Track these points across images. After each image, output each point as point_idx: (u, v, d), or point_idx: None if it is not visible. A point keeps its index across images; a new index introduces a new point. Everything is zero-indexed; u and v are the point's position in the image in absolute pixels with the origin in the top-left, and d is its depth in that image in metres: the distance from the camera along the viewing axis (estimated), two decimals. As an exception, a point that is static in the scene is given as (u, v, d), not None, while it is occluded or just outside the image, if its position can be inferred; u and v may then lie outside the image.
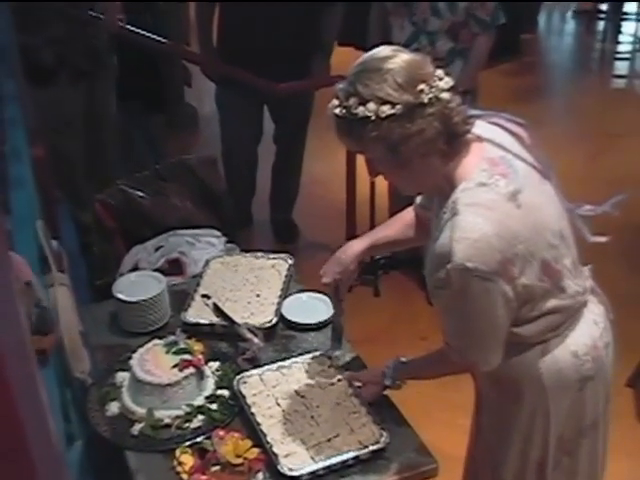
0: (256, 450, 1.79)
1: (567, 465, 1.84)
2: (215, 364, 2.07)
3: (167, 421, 1.89)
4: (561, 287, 1.68)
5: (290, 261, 2.50)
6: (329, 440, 1.82)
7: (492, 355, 1.68)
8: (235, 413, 1.93)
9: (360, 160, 1.99)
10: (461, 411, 2.14)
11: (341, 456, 1.77)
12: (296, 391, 1.97)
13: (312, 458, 1.77)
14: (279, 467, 1.74)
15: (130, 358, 2.01)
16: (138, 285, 2.27)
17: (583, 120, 5.76)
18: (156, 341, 2.06)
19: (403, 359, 1.91)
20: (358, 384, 1.97)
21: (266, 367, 2.05)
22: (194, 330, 2.17)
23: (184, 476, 1.74)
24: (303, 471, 1.73)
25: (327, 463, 1.75)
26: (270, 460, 1.76)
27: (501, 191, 1.57)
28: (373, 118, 1.50)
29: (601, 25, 7.71)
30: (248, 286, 2.40)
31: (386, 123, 1.50)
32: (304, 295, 2.35)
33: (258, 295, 2.35)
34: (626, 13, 7.44)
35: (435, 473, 1.82)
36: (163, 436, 1.87)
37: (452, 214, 1.55)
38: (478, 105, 3.17)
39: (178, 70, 5.05)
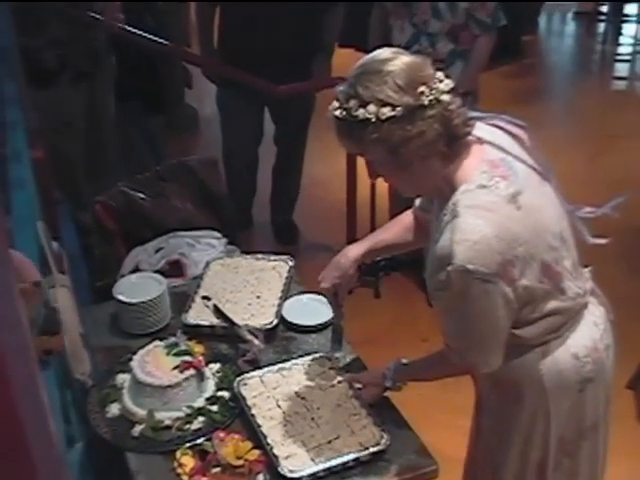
0: (256, 452, 1.79)
1: (567, 467, 1.84)
2: (215, 366, 2.07)
3: (167, 422, 1.89)
4: (561, 289, 1.68)
5: (291, 263, 2.50)
6: (329, 442, 1.82)
7: (492, 357, 1.68)
8: (235, 415, 1.93)
9: (361, 161, 1.98)
10: (461, 413, 2.14)
11: (341, 458, 1.77)
12: (296, 393, 1.97)
13: (312, 460, 1.77)
14: (279, 469, 1.74)
15: (131, 360, 2.01)
16: (138, 287, 2.27)
17: (583, 122, 5.76)
18: (157, 343, 2.06)
19: (403, 361, 1.91)
20: (358, 386, 1.97)
21: (266, 369, 2.05)
22: (194, 332, 2.17)
23: (184, 478, 1.74)
24: (303, 473, 1.73)
25: (327, 465, 1.75)
26: (270, 462, 1.76)
27: (501, 193, 1.57)
28: (373, 120, 1.50)
29: (602, 27, 7.71)
30: (248, 288, 2.40)
31: (386, 125, 1.50)
32: (304, 297, 2.35)
33: (258, 297, 2.35)
34: (627, 15, 7.44)
35: (435, 475, 1.82)
36: (163, 438, 1.87)
37: (452, 216, 1.55)
38: (478, 107, 3.18)
39: (178, 71, 5.06)
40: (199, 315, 2.25)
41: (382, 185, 2.46)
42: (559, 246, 1.66)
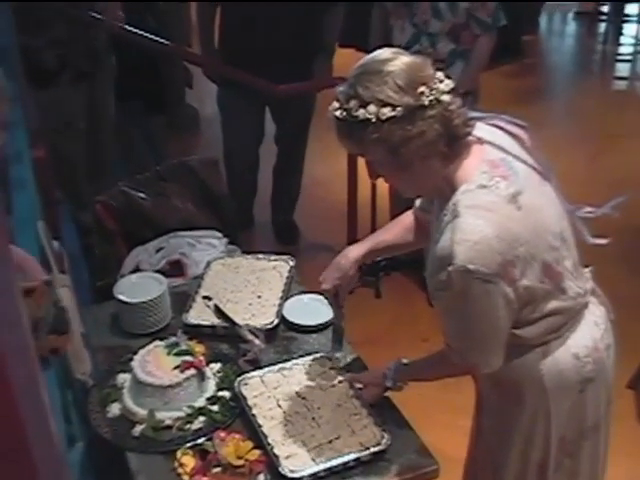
0: (257, 452, 1.79)
1: (568, 467, 1.84)
2: (216, 365, 2.07)
3: (168, 422, 1.89)
4: (562, 288, 1.68)
5: (291, 262, 2.50)
6: (330, 442, 1.82)
7: (493, 357, 1.68)
8: (236, 414, 1.93)
9: (361, 162, 1.99)
10: (462, 413, 2.14)
11: (342, 458, 1.77)
12: (297, 393, 1.97)
13: (313, 460, 1.77)
14: (280, 469, 1.74)
15: (131, 359, 2.01)
16: (139, 286, 2.27)
17: (584, 122, 5.76)
18: (157, 342, 2.06)
19: (404, 361, 1.91)
20: (359, 386, 1.97)
21: (267, 369, 2.05)
22: (195, 331, 2.17)
23: (185, 477, 1.74)
24: (304, 473, 1.73)
25: (328, 465, 1.75)
26: (271, 462, 1.76)
27: (501, 193, 1.57)
28: (374, 120, 1.50)
29: (602, 27, 7.71)
30: (249, 287, 2.40)
31: (387, 125, 1.50)
32: (305, 297, 2.35)
33: (259, 296, 2.35)
34: (627, 15, 7.44)
35: (436, 474, 1.82)
36: (164, 437, 1.87)
37: (453, 216, 1.55)
38: (479, 107, 3.18)
39: (179, 71, 5.06)
40: (200, 315, 2.26)
41: (383, 185, 2.47)
42: (560, 246, 1.66)
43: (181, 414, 1.90)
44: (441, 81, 1.55)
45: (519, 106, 5.14)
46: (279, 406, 1.93)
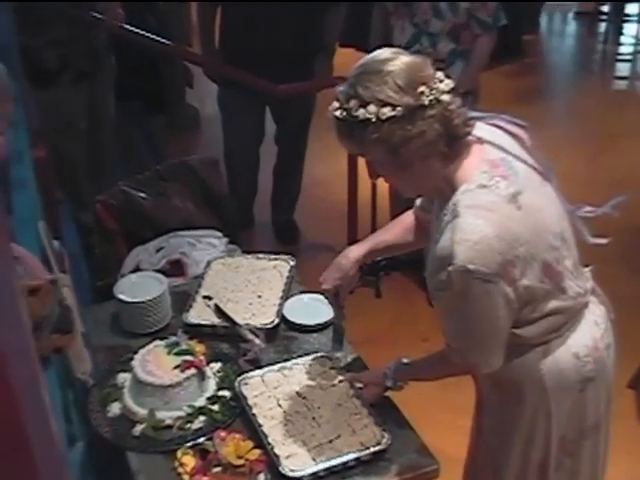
0: (257, 451, 1.79)
1: (569, 466, 1.84)
2: (216, 365, 2.07)
3: (168, 422, 1.89)
4: (562, 288, 1.68)
5: (292, 262, 2.50)
6: (330, 441, 1.82)
7: (493, 357, 1.68)
8: (236, 414, 1.93)
9: (361, 162, 1.99)
10: (462, 412, 2.14)
11: (342, 457, 1.77)
12: (297, 392, 1.97)
13: (313, 459, 1.77)
14: (280, 468, 1.74)
15: (131, 359, 2.01)
16: (139, 286, 2.27)
17: (584, 121, 5.76)
18: (157, 342, 2.06)
19: (404, 360, 1.91)
20: (359, 385, 1.97)
21: (267, 368, 2.05)
22: (195, 331, 2.17)
23: (185, 477, 1.74)
24: (304, 472, 1.73)
25: (328, 464, 1.75)
26: (271, 461, 1.76)
27: (501, 193, 1.57)
28: (374, 120, 1.50)
29: (603, 26, 7.70)
30: (250, 287, 2.40)
31: (387, 125, 1.50)
32: (305, 296, 2.35)
33: (259, 296, 2.35)
34: (628, 14, 7.44)
35: (436, 474, 1.83)
36: (164, 437, 1.87)
37: (453, 216, 1.55)
38: (479, 106, 3.18)
39: (179, 71, 5.06)
40: (200, 314, 2.26)
41: (383, 185, 2.47)
42: (560, 246, 1.66)
43: (181, 414, 1.90)
44: (441, 81, 1.55)
45: (519, 106, 5.14)
46: (279, 406, 1.93)
